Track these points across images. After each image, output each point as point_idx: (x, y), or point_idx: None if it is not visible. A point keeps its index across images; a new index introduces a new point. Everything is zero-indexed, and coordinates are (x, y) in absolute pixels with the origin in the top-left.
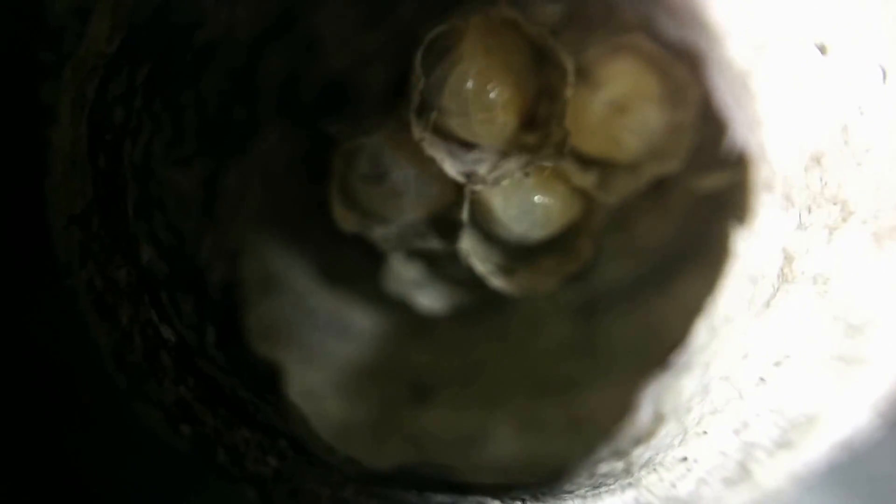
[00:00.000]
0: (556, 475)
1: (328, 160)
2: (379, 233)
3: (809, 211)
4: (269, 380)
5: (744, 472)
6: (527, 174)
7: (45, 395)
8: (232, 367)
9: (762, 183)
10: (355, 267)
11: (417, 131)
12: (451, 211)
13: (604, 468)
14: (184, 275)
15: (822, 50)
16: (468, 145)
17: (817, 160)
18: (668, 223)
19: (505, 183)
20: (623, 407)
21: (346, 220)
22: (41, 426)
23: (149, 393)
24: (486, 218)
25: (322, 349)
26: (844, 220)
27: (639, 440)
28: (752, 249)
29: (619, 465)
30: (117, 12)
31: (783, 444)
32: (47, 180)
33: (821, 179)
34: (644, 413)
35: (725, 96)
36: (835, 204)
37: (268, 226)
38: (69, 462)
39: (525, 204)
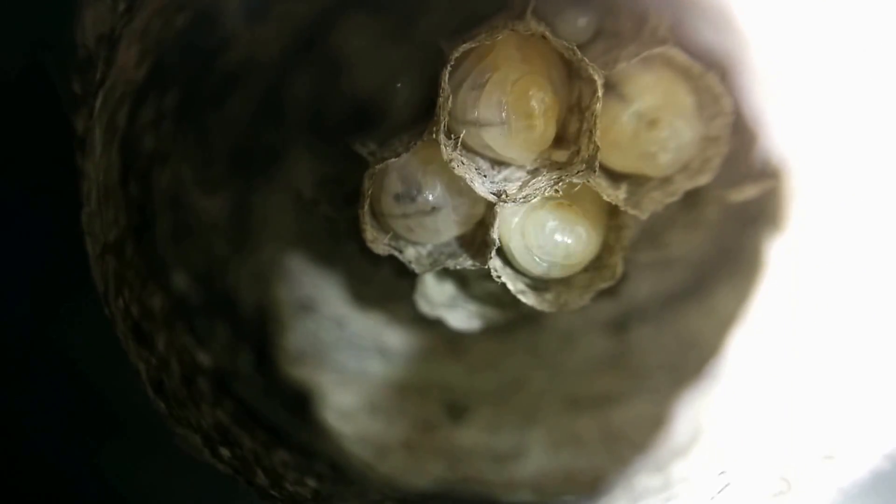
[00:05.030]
0: (594, 491)
1: (358, 182)
2: (411, 253)
3: (845, 219)
4: (304, 402)
5: (785, 483)
6: (557, 191)
7: (88, 419)
8: (268, 390)
9: (797, 192)
10: (388, 287)
11: (447, 151)
12: (482, 230)
13: (642, 483)
14: (217, 300)
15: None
16: (498, 164)
17: (854, 168)
18: (701, 235)
19: (535, 201)
20: (660, 420)
21: (377, 242)
22: (83, 451)
23: (188, 417)
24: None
25: (356, 370)
26: (882, 228)
27: (677, 454)
28: (787, 259)
29: (657, 480)
30: (144, 38)
31: (825, 454)
32: (82, 210)
33: (857, 188)
34: (681, 427)
35: (759, 105)
36: (871, 212)
37: (299, 249)
38: (111, 482)
39: (548, 245)
